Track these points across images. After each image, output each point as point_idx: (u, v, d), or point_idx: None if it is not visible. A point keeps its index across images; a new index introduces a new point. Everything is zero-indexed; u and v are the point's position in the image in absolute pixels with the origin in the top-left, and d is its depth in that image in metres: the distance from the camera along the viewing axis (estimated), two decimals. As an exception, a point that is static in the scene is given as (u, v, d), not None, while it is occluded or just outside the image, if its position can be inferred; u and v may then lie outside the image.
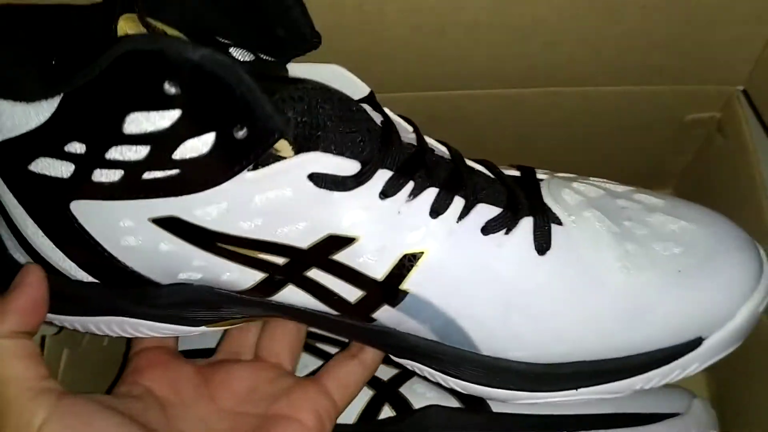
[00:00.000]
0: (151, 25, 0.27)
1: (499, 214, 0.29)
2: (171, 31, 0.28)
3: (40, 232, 0.29)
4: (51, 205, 0.28)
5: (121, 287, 0.30)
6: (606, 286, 0.29)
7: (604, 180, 0.33)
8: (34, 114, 0.26)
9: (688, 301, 0.29)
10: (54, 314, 0.32)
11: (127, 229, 0.28)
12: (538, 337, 0.29)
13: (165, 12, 0.28)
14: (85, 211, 0.28)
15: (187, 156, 0.25)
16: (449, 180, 0.29)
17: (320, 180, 0.27)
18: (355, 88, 0.31)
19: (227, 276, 0.29)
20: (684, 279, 0.29)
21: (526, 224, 0.29)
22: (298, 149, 0.27)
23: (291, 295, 0.30)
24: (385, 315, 0.30)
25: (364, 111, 0.29)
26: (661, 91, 0.38)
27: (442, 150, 0.31)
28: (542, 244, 0.29)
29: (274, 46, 0.30)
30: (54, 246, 0.29)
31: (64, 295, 0.31)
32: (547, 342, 0.29)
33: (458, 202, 0.29)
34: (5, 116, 0.26)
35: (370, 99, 0.31)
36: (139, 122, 0.24)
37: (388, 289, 0.29)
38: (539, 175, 0.32)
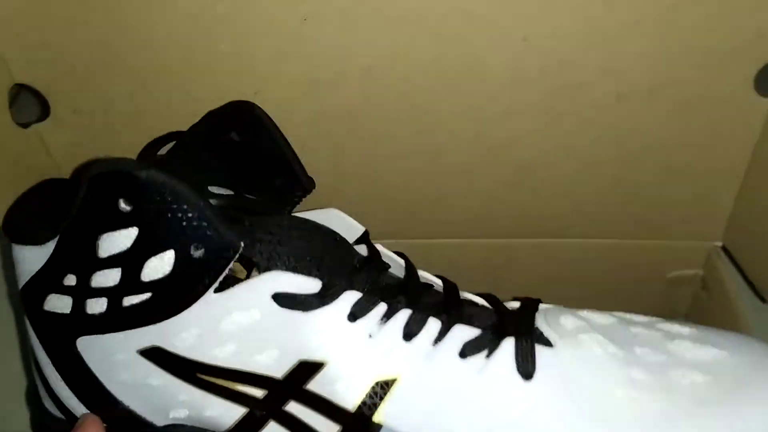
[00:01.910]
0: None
1: (478, 336, 0.27)
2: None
3: (57, 375, 0.31)
4: (62, 342, 0.30)
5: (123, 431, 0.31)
6: (607, 418, 0.25)
7: (627, 312, 0.30)
8: (42, 255, 0.29)
9: (714, 432, 0.24)
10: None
11: (120, 363, 0.29)
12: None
13: (174, 166, 0.31)
14: (87, 347, 0.30)
15: (154, 277, 0.27)
16: (428, 304, 0.28)
17: (284, 300, 0.27)
18: (350, 228, 0.32)
19: (210, 413, 0.29)
20: (705, 412, 0.25)
21: (508, 346, 0.27)
22: (259, 271, 0.27)
23: (274, 434, 0.29)
24: (364, 454, 0.27)
25: (346, 243, 0.30)
26: (645, 245, 0.39)
27: (435, 282, 0.30)
28: (526, 367, 0.26)
29: (274, 195, 0.32)
30: (66, 386, 0.31)
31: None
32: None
33: (433, 324, 0.27)
34: (25, 262, 0.30)
35: (364, 238, 0.31)
36: (108, 244, 0.27)
37: (362, 421, 0.27)
38: (545, 306, 0.30)
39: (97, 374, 0.30)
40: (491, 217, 0.39)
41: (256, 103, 0.31)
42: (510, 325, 0.27)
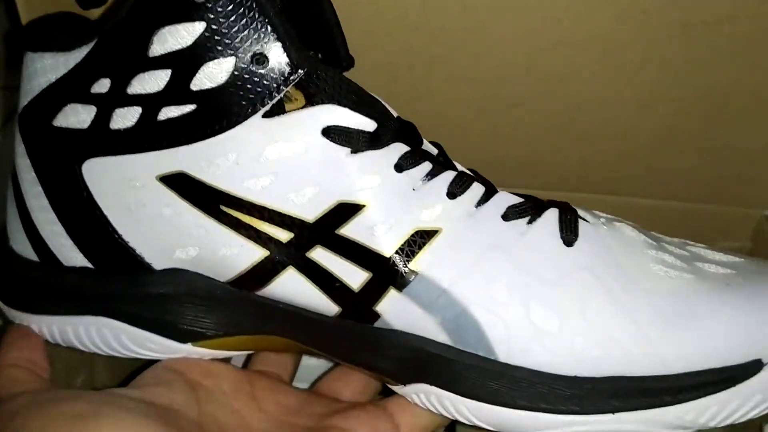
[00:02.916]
0: None
1: (521, 203, 0.27)
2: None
3: (47, 204, 0.28)
4: (64, 165, 0.28)
5: (114, 273, 0.28)
6: (643, 288, 0.26)
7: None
8: (66, 62, 0.27)
9: (743, 312, 0.25)
10: (34, 314, 0.30)
11: (132, 191, 0.27)
12: (563, 335, 0.25)
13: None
14: (96, 172, 0.27)
15: (205, 86, 0.25)
16: (470, 174, 0.28)
17: (334, 134, 0.26)
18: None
19: (224, 252, 0.27)
20: (735, 291, 0.26)
21: (551, 215, 0.27)
22: (313, 103, 0.26)
23: (288, 284, 0.27)
24: (389, 306, 0.26)
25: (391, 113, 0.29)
26: (690, 209, 0.37)
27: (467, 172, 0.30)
28: (569, 235, 0.26)
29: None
30: (56, 219, 0.28)
31: (49, 287, 0.29)
32: (574, 344, 0.25)
33: (477, 188, 0.27)
34: (41, 72, 0.28)
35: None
36: (165, 40, 0.25)
37: (395, 268, 0.26)
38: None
39: (100, 203, 0.28)
40: (533, 164, 0.37)
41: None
42: (551, 203, 0.28)
